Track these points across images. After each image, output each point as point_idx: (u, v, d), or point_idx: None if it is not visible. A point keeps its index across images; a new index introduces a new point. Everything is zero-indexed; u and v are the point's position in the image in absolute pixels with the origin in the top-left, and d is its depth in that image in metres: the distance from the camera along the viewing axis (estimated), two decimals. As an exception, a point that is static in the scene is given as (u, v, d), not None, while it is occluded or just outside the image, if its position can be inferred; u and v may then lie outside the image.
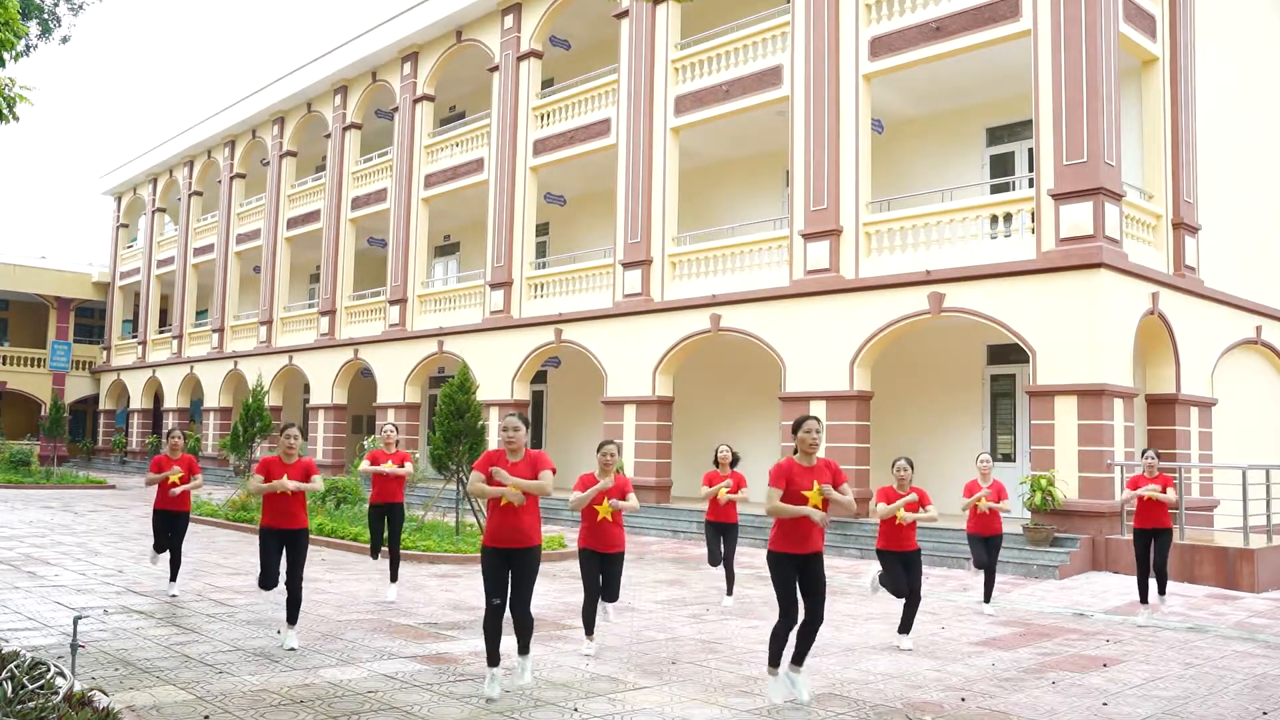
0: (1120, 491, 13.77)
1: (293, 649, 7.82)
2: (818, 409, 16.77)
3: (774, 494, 6.34)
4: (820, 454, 6.62)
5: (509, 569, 6.55)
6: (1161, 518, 10.24)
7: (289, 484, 7.97)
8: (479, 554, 13.67)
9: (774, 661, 6.43)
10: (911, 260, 16.03)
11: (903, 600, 8.74)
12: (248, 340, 33.28)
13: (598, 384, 21.16)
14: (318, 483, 8.16)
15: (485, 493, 6.50)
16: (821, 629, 6.63)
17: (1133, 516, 10.57)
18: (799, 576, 6.38)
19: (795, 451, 6.54)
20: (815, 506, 6.32)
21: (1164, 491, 10.16)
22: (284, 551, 8.12)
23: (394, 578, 10.61)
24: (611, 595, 8.22)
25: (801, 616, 6.43)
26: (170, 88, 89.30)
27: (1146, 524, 10.27)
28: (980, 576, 10.89)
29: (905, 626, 8.70)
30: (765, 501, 6.40)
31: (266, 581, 8.13)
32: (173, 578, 10.46)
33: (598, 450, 8.21)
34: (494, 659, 6.52)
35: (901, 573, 8.68)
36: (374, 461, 10.62)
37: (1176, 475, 14.23)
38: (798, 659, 6.50)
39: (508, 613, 6.58)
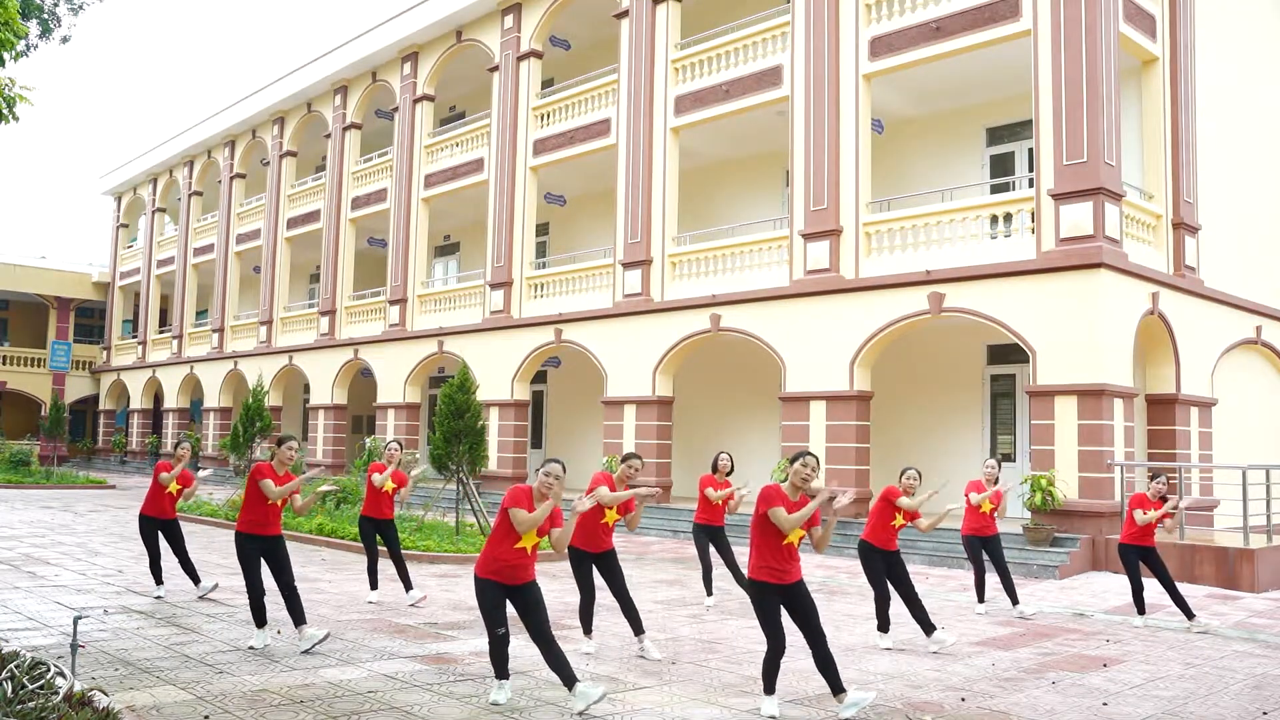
0: (1120, 491, 13.78)
1: (327, 636, 7.91)
2: (817, 409, 16.78)
3: (778, 512, 6.28)
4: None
5: (506, 602, 6.38)
6: (1148, 538, 10.18)
7: (297, 500, 8.35)
8: (479, 554, 13.65)
9: (769, 690, 6.36)
10: (911, 260, 16.03)
11: (905, 605, 8.74)
12: (248, 340, 33.28)
13: (598, 384, 21.16)
14: (308, 499, 8.62)
15: (536, 521, 6.29)
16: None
17: (1124, 535, 10.41)
18: (787, 608, 6.37)
19: (784, 480, 6.54)
20: (791, 544, 6.34)
21: (1162, 521, 10.05)
22: (266, 558, 8.07)
23: (408, 585, 10.48)
24: (626, 599, 8.07)
25: (810, 649, 6.37)
26: (170, 88, 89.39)
27: (1133, 541, 10.20)
28: (985, 605, 10.82)
29: (927, 628, 8.62)
30: (776, 519, 6.27)
31: (258, 611, 7.97)
32: (195, 581, 10.51)
33: (623, 460, 8.11)
34: (504, 674, 6.48)
35: (883, 571, 8.71)
36: (373, 474, 10.57)
37: (1176, 475, 14.24)
38: (835, 689, 6.34)
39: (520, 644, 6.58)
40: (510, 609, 6.41)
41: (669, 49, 20.04)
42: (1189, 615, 10.09)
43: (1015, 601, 10.69)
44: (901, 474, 9.01)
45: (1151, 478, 10.37)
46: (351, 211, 28.84)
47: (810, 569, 6.41)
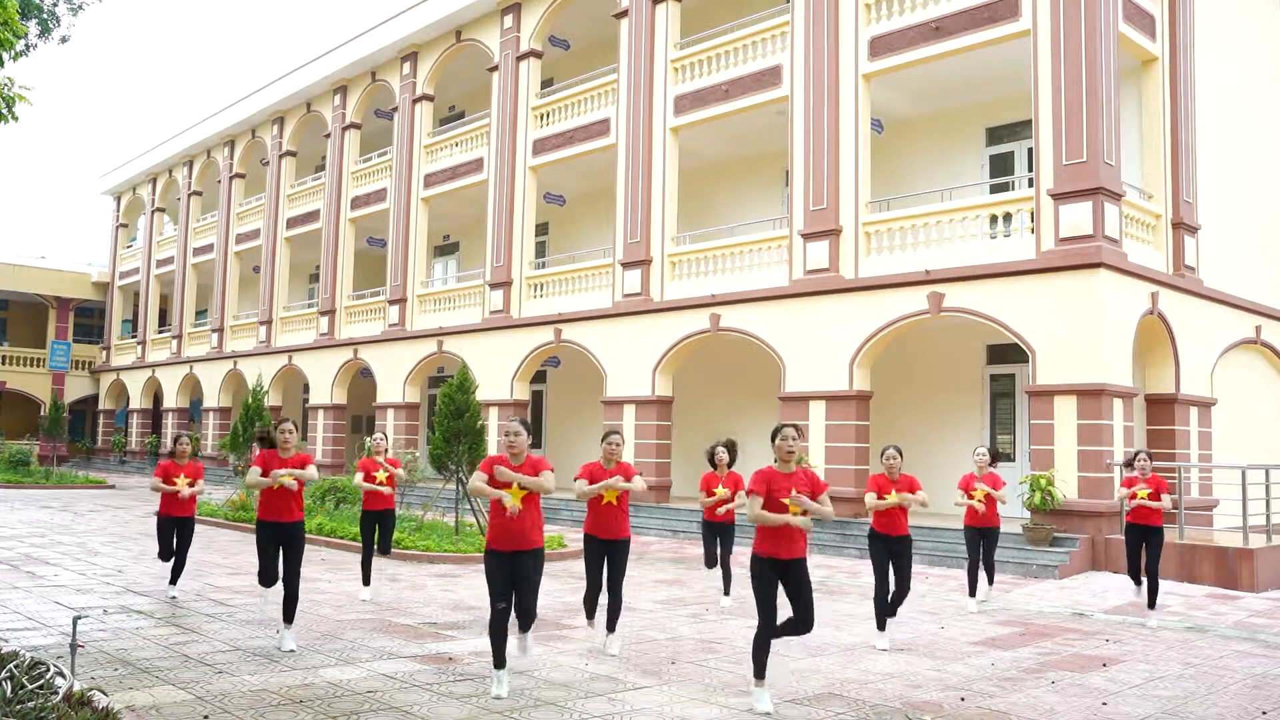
0: (1118, 491, 13.78)
1: (291, 650, 7.81)
2: (817, 409, 16.78)
3: (755, 501, 6.36)
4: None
5: (513, 572, 6.59)
6: (1152, 516, 10.25)
7: (285, 479, 7.93)
8: (479, 554, 13.69)
9: (760, 674, 6.39)
10: (911, 260, 16.03)
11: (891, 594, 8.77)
12: (247, 340, 33.27)
13: (597, 384, 21.16)
14: (312, 471, 8.13)
15: (485, 492, 6.55)
16: (821, 630, 6.64)
17: (1126, 514, 10.62)
18: (783, 582, 6.37)
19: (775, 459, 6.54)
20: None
21: (1158, 497, 10.13)
22: (281, 546, 8.09)
23: (365, 581, 10.74)
24: (615, 593, 8.14)
25: (795, 622, 6.40)
26: (170, 88, 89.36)
27: (1138, 519, 10.29)
28: (976, 601, 10.92)
29: (881, 623, 8.69)
30: (747, 508, 6.43)
31: (266, 579, 8.12)
32: (173, 580, 10.45)
33: (603, 439, 8.21)
34: (500, 662, 6.59)
35: (885, 557, 8.67)
36: (366, 473, 10.70)
37: (1176, 475, 14.24)
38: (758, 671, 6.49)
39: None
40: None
41: (668, 49, 20.04)
42: (1150, 605, 10.24)
43: (973, 594, 10.80)
44: (882, 454, 8.95)
45: (1135, 456, 10.47)
46: (351, 211, 28.83)
47: (811, 568, 6.41)
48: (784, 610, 6.42)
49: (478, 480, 6.61)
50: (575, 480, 8.12)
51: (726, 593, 10.90)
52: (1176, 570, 12.79)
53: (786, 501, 6.30)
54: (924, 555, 14.35)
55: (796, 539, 6.37)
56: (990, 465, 10.93)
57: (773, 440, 6.54)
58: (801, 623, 6.40)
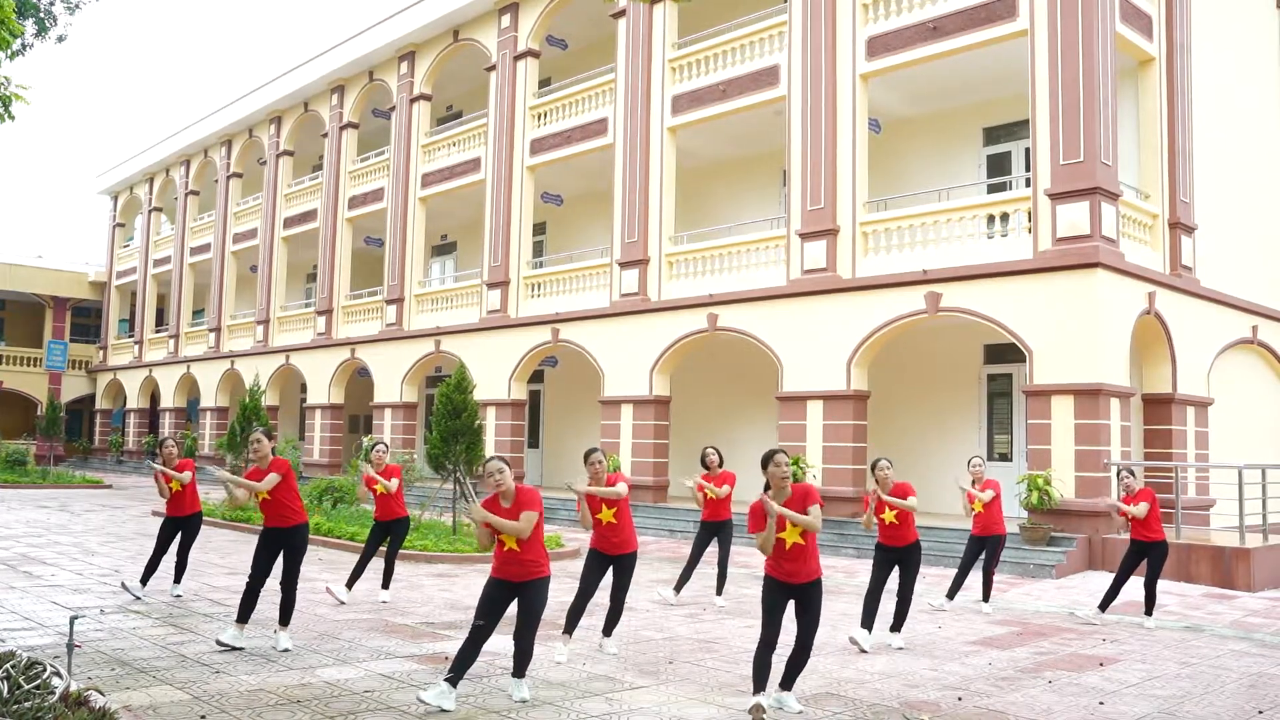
0: (1116, 492, 13.79)
1: (286, 649, 7.81)
2: (815, 409, 16.79)
3: (757, 537, 6.30)
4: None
5: (510, 600, 6.48)
6: (1146, 532, 10.18)
7: (238, 492, 7.97)
8: (477, 553, 13.67)
9: (759, 688, 6.19)
10: (908, 260, 16.04)
11: (895, 600, 8.80)
12: (245, 340, 33.24)
13: (595, 383, 21.16)
14: (265, 482, 7.93)
15: (480, 539, 6.44)
16: (820, 629, 6.63)
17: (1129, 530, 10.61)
18: (793, 603, 6.36)
19: (766, 488, 6.40)
20: (797, 544, 6.26)
21: (1135, 504, 10.16)
22: (279, 552, 8.06)
23: (385, 585, 10.70)
24: (617, 602, 8.08)
25: (792, 642, 6.41)
26: (168, 87, 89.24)
27: (1138, 536, 10.30)
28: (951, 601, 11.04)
29: (896, 624, 8.76)
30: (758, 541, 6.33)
31: (248, 581, 7.98)
32: (176, 579, 10.48)
33: (585, 461, 8.04)
34: (455, 681, 6.24)
35: (881, 561, 8.74)
36: (368, 485, 10.70)
37: (1173, 475, 14.26)
38: (786, 683, 6.48)
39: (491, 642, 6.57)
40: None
41: (666, 48, 20.03)
42: (1101, 608, 10.43)
43: (950, 596, 10.93)
44: (873, 468, 9.02)
45: (1118, 477, 10.54)
46: (348, 211, 28.80)
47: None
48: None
49: (479, 534, 6.47)
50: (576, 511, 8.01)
51: (720, 592, 10.92)
52: (1174, 570, 12.79)
53: (782, 536, 6.28)
54: (924, 556, 14.34)
55: (802, 563, 6.31)
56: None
57: (764, 467, 6.39)
58: (798, 646, 6.38)
